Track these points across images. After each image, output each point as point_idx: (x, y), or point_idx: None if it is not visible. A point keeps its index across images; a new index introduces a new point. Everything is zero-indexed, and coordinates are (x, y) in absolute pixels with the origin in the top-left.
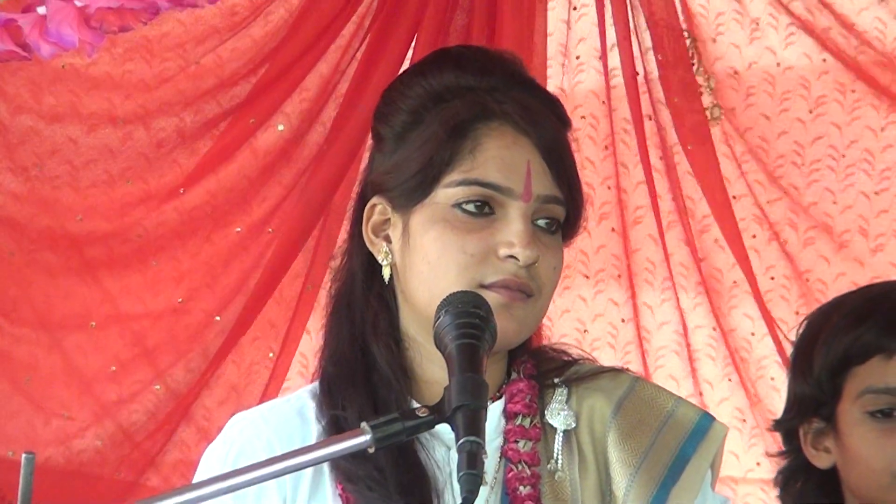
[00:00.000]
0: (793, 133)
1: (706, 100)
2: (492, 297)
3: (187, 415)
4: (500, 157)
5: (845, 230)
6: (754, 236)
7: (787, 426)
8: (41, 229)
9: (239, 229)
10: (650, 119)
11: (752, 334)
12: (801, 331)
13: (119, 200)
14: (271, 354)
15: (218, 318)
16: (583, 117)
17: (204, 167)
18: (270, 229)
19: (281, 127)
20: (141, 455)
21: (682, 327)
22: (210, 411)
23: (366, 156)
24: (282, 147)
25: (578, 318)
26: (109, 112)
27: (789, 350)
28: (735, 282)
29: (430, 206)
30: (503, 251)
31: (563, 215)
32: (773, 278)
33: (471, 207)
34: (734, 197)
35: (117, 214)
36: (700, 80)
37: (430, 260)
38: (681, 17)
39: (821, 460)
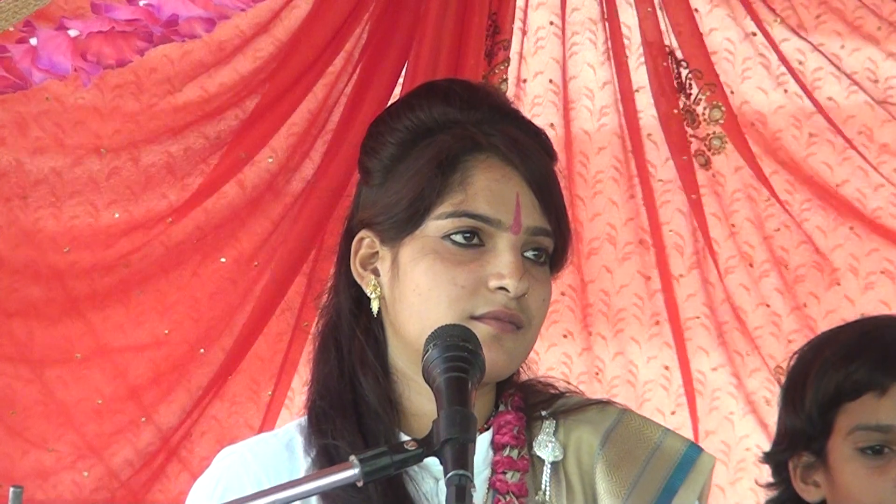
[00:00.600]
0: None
1: (707, 129)
2: (482, 329)
3: (175, 453)
4: (489, 189)
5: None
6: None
7: (777, 458)
8: (25, 261)
9: (224, 259)
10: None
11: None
12: (792, 364)
13: (104, 232)
14: (269, 392)
15: (202, 350)
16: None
17: (193, 200)
18: (256, 263)
19: (270, 160)
20: (127, 492)
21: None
22: (198, 449)
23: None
24: (269, 180)
25: (565, 353)
26: (95, 144)
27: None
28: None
29: (419, 239)
30: (493, 283)
31: (551, 247)
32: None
33: (460, 239)
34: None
35: (102, 246)
36: (700, 109)
37: (420, 292)
38: (674, 44)
39: (810, 494)
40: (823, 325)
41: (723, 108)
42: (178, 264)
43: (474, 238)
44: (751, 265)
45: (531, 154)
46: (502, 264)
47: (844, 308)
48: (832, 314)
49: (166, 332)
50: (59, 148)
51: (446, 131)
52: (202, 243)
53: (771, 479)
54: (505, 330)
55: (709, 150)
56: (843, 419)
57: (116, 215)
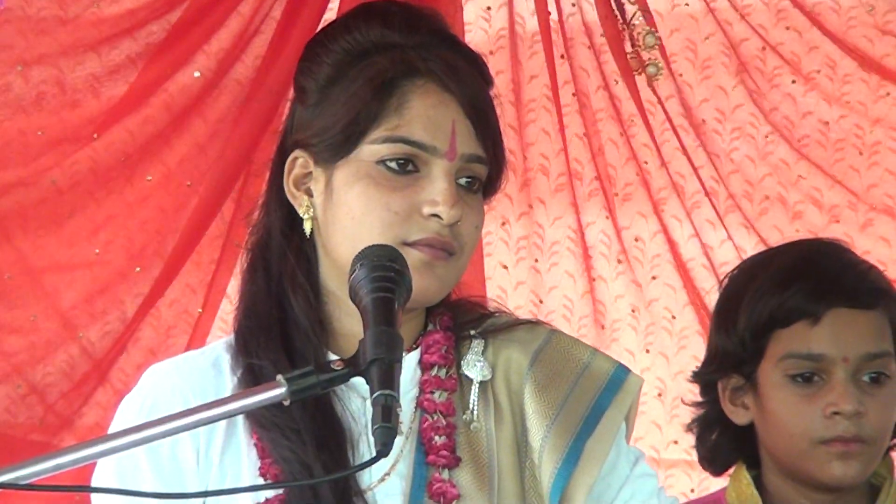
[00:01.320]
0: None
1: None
2: (415, 255)
3: (105, 377)
4: (425, 115)
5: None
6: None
7: (706, 379)
8: None
9: (150, 178)
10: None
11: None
12: (725, 285)
13: (28, 147)
14: (199, 310)
15: (138, 269)
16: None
17: (116, 113)
18: (189, 183)
19: (197, 74)
20: (55, 417)
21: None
22: (128, 374)
23: (286, 109)
24: (198, 97)
25: (533, 290)
26: (20, 56)
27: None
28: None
29: (354, 162)
30: (427, 209)
31: (485, 174)
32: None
33: (395, 165)
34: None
35: (26, 161)
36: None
37: (354, 216)
38: None
39: (738, 416)
40: None
41: (656, 35)
42: (105, 184)
43: (409, 164)
44: (682, 195)
45: (468, 81)
46: (436, 191)
47: (775, 236)
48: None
49: (97, 251)
50: None
51: (384, 54)
52: (128, 163)
53: (698, 399)
54: (437, 257)
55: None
56: (775, 345)
57: (40, 133)
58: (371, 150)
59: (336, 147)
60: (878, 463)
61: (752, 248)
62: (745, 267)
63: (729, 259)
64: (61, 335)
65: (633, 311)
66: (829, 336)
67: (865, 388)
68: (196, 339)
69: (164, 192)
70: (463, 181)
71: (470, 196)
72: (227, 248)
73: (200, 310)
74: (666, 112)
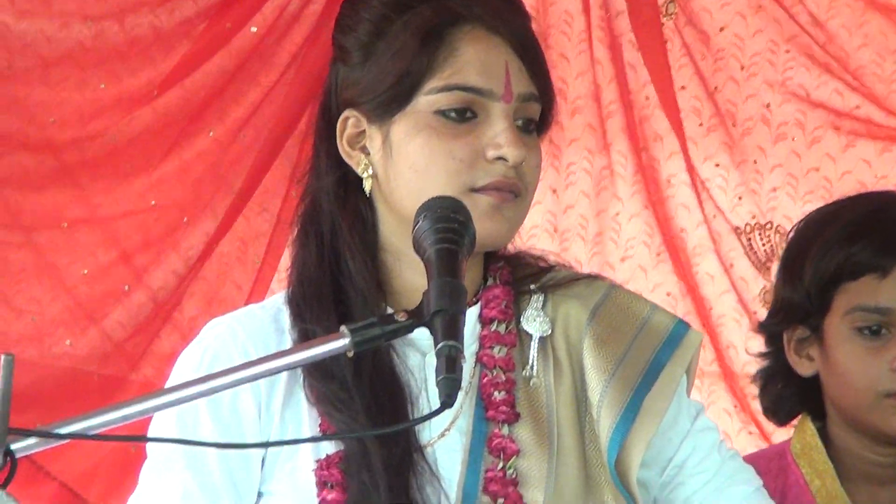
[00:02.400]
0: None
1: None
2: (483, 201)
3: (169, 319)
4: (478, 60)
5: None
6: (701, 124)
7: (772, 330)
8: (11, 130)
9: (212, 133)
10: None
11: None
12: (792, 237)
13: (90, 100)
14: (257, 262)
15: (185, 219)
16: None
17: (180, 69)
18: (243, 134)
19: (254, 29)
20: (121, 355)
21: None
22: (192, 316)
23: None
24: (257, 48)
25: (550, 210)
26: (82, 12)
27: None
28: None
29: (411, 115)
30: (491, 153)
31: (538, 113)
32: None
33: (454, 114)
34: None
35: (89, 115)
36: None
37: (417, 168)
38: None
39: (803, 367)
40: (772, 179)
41: None
42: (165, 134)
43: (467, 111)
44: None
45: (514, 20)
46: (498, 134)
47: (792, 162)
48: (778, 168)
49: (153, 203)
50: (47, 13)
51: (425, 4)
52: (190, 113)
53: (763, 350)
54: (505, 199)
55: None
56: (842, 298)
57: (103, 86)
58: (427, 100)
59: (390, 102)
60: None
61: None
62: (812, 220)
63: None
64: (126, 280)
65: None
66: None
67: None
68: (257, 289)
69: (224, 142)
70: (520, 122)
71: (528, 137)
72: (287, 201)
73: (259, 262)
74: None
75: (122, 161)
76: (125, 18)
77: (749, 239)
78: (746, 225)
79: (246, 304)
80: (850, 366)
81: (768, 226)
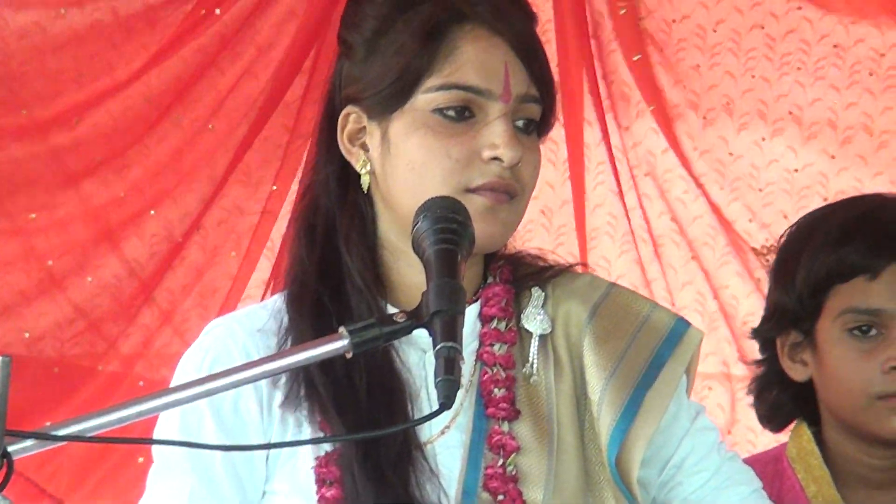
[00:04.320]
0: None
1: None
2: (478, 201)
3: (150, 297)
4: (477, 59)
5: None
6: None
7: (765, 335)
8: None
9: (211, 127)
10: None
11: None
12: (783, 242)
13: (88, 84)
14: (235, 254)
15: (152, 212)
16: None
17: (164, 51)
18: (211, 126)
19: (218, 11)
20: (101, 339)
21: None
22: (174, 295)
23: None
24: (226, 36)
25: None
26: None
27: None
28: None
29: (409, 113)
30: (487, 153)
31: (539, 114)
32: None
33: (452, 112)
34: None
35: (81, 89)
36: None
37: (414, 166)
38: None
39: (797, 373)
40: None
41: None
42: (154, 124)
43: (465, 111)
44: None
45: (516, 20)
46: (495, 134)
47: (788, 157)
48: (775, 164)
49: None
50: (41, 3)
51: (428, 1)
52: (179, 100)
53: (758, 357)
54: (500, 201)
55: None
56: (834, 301)
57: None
58: (426, 98)
59: (389, 99)
60: None
61: None
62: (803, 223)
63: None
64: (108, 255)
65: None
66: (888, 291)
67: None
68: (239, 281)
69: (198, 133)
70: (520, 123)
71: (527, 138)
72: (282, 173)
73: (239, 253)
74: None
75: (107, 145)
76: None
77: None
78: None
79: (230, 291)
80: (843, 368)
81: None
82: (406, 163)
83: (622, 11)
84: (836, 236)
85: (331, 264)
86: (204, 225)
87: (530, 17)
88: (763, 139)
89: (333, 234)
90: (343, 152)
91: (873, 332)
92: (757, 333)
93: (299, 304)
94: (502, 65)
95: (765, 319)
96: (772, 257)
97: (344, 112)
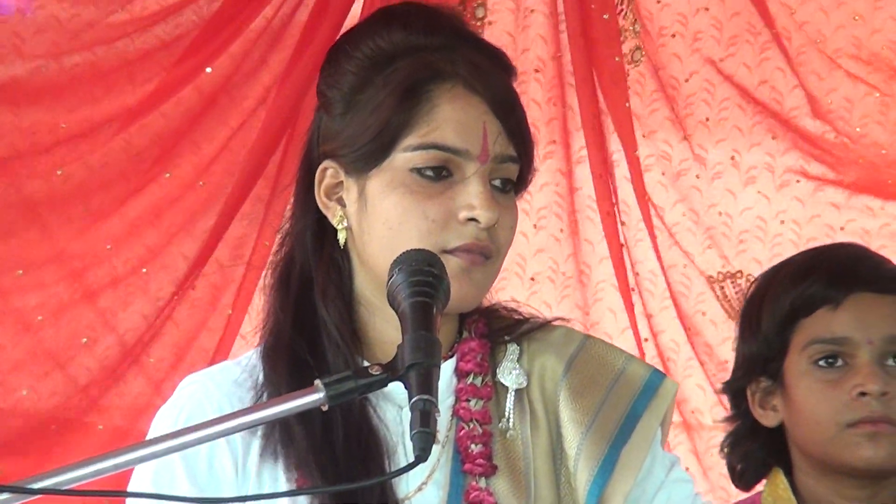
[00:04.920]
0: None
1: (629, 44)
2: (453, 262)
3: (137, 363)
4: (455, 119)
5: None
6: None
7: (735, 387)
8: None
9: (168, 175)
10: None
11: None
12: (746, 296)
13: (64, 133)
14: (230, 312)
15: (144, 270)
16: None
17: (149, 102)
18: (202, 183)
19: (209, 70)
20: (83, 397)
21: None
22: (162, 361)
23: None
24: (216, 97)
25: (520, 254)
26: (52, 50)
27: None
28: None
29: (387, 171)
30: (464, 214)
31: (517, 173)
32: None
33: (429, 172)
34: (643, 136)
35: (60, 147)
36: (625, 23)
37: (390, 225)
38: None
39: (768, 419)
40: (740, 222)
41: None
42: (129, 179)
43: (443, 170)
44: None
45: (495, 79)
46: (472, 195)
47: (761, 205)
48: (747, 211)
49: (108, 247)
50: (18, 56)
51: (407, 58)
52: (151, 159)
53: (728, 414)
54: (475, 262)
55: (631, 62)
56: (799, 335)
57: (63, 126)
58: (404, 157)
59: (367, 157)
60: None
61: None
62: (763, 274)
63: None
64: (93, 321)
65: None
66: (851, 319)
67: (892, 372)
68: (226, 339)
69: (186, 190)
70: (497, 182)
71: (504, 197)
72: (257, 250)
73: (230, 311)
74: None
75: (88, 200)
76: (95, 55)
77: (722, 287)
78: (718, 273)
79: (215, 351)
80: (812, 400)
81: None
82: (382, 221)
83: (616, 58)
84: (797, 274)
85: (307, 317)
86: (190, 283)
87: (509, 73)
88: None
89: (309, 287)
90: (320, 206)
91: (840, 362)
92: (727, 385)
93: (275, 357)
94: (480, 125)
95: (734, 372)
96: (727, 284)
97: (321, 166)
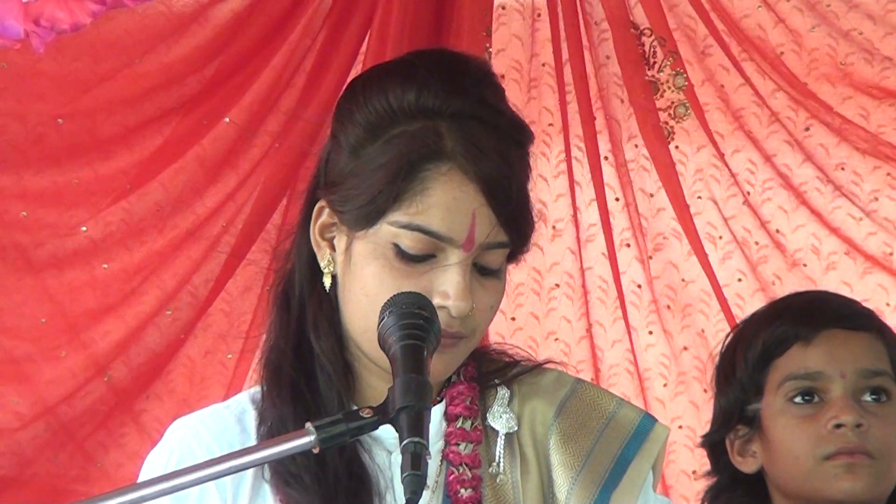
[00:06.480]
0: None
1: (671, 97)
2: None
3: (137, 423)
4: (445, 205)
5: (797, 248)
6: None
7: (714, 438)
8: None
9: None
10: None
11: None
12: (722, 347)
13: (62, 198)
14: (230, 356)
15: (168, 311)
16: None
17: (150, 166)
18: (216, 231)
19: (227, 120)
20: (76, 447)
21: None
22: (157, 414)
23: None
24: (229, 149)
25: (531, 336)
26: (52, 114)
27: None
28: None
29: (372, 238)
30: (437, 301)
31: (502, 259)
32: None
33: (412, 252)
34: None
35: (60, 212)
36: (664, 76)
37: (368, 293)
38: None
39: (748, 465)
40: None
41: (685, 75)
42: (138, 235)
43: (426, 253)
44: (714, 244)
45: (496, 162)
46: (449, 283)
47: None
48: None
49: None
50: (17, 117)
51: (414, 124)
52: (161, 214)
53: (708, 468)
54: (446, 345)
55: (673, 118)
56: (774, 374)
57: (75, 181)
58: (390, 231)
59: (357, 219)
60: (891, 485)
61: None
62: (734, 327)
63: None
64: (93, 380)
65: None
66: (823, 354)
67: (867, 407)
68: (232, 390)
69: (195, 241)
70: (482, 264)
71: (486, 278)
72: (263, 298)
73: (230, 355)
74: None
75: (95, 260)
76: (94, 115)
77: None
78: None
79: (225, 397)
80: (789, 436)
81: None
82: (360, 287)
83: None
84: (768, 316)
85: (302, 353)
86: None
87: (522, 146)
88: None
89: (303, 320)
90: (312, 243)
91: (815, 399)
92: (706, 439)
93: (277, 384)
94: (469, 213)
95: (712, 423)
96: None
97: (319, 204)
